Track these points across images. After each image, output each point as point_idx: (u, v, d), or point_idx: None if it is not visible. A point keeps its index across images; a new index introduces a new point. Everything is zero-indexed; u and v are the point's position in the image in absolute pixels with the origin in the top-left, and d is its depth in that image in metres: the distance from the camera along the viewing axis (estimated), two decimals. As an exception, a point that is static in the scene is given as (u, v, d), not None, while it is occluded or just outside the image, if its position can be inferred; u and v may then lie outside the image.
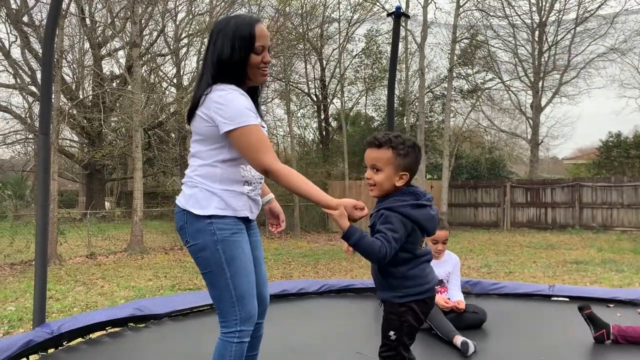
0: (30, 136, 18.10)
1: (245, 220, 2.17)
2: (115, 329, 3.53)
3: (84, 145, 21.07)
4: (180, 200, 2.11)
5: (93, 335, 3.40)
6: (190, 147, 2.16)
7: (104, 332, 3.47)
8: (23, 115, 18.14)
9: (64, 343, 3.20)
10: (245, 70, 2.10)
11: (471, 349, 3.06)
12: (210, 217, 2.04)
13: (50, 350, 3.11)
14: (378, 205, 2.08)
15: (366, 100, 21.42)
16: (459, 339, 3.14)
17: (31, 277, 7.36)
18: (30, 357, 2.99)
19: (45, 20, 3.37)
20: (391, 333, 2.06)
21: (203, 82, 2.10)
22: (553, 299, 4.45)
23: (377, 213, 2.06)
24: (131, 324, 3.60)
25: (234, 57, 2.06)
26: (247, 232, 2.21)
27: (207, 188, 2.06)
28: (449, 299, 3.70)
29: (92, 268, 9.16)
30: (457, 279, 3.86)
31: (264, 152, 1.99)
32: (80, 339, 3.32)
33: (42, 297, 3.28)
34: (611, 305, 4.18)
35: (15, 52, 17.73)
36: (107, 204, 23.56)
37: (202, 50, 17.26)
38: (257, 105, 2.20)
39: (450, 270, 3.83)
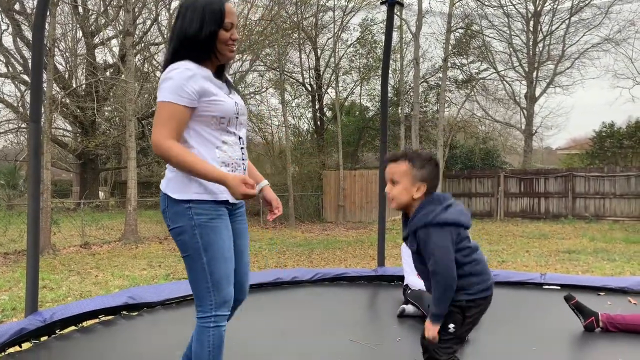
0: (23, 125, 17.99)
1: (228, 205, 2.15)
2: (109, 317, 3.54)
3: (78, 134, 20.96)
4: (162, 184, 2.13)
5: (86, 324, 3.40)
6: None
7: (96, 320, 3.47)
8: (15, 104, 18.01)
9: (56, 331, 3.20)
10: (214, 45, 2.10)
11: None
12: (188, 201, 2.05)
13: (43, 338, 3.11)
14: (410, 225, 2.08)
15: (361, 90, 21.38)
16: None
17: (24, 267, 7.34)
18: (22, 345, 2.99)
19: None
20: (451, 326, 2.04)
21: (164, 61, 2.14)
22: (544, 287, 4.49)
23: (413, 236, 2.07)
24: (124, 312, 3.60)
25: (203, 32, 2.07)
26: (231, 219, 2.20)
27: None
28: None
29: (86, 257, 9.15)
30: None
31: (162, 126, 1.99)
32: (73, 327, 3.32)
33: (35, 285, 3.28)
34: (601, 294, 4.22)
35: (7, 41, 17.62)
36: (101, 194, 23.49)
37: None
38: (224, 80, 2.22)
39: None
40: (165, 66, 2.11)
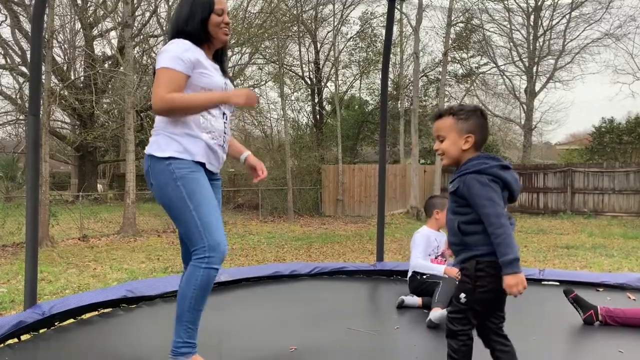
0: (21, 117, 17.93)
1: (204, 169, 2.30)
2: (107, 310, 3.53)
3: (76, 127, 20.90)
4: (147, 148, 2.29)
5: (85, 317, 3.40)
6: None
7: (95, 313, 3.47)
8: (13, 96, 17.94)
9: (55, 324, 3.19)
10: (208, 29, 2.31)
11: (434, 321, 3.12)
12: (169, 158, 2.20)
13: (42, 331, 3.10)
14: (461, 170, 2.04)
15: (360, 83, 21.34)
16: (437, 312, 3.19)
17: (23, 259, 7.33)
18: (21, 337, 2.99)
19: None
20: (462, 295, 1.99)
21: (167, 37, 2.37)
22: (543, 283, 4.49)
23: (461, 178, 2.02)
24: (123, 305, 3.60)
25: (195, 18, 2.29)
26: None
27: (167, 134, 2.25)
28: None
29: (85, 250, 9.15)
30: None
31: (162, 87, 2.15)
32: (72, 320, 3.31)
33: (33, 278, 3.27)
34: (600, 290, 4.22)
35: (5, 32, 17.55)
36: (99, 186, 23.46)
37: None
38: (222, 66, 2.44)
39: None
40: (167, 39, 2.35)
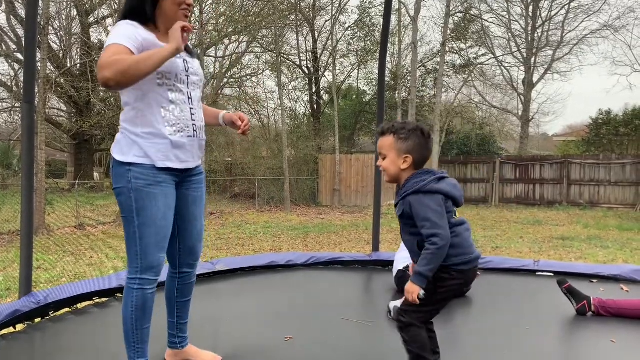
0: (17, 105, 17.81)
1: (175, 172, 2.17)
2: (103, 299, 3.54)
3: (72, 114, 20.79)
4: (112, 145, 2.18)
5: (80, 306, 3.40)
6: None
7: (91, 302, 3.47)
8: (9, 84, 17.82)
9: (50, 313, 3.20)
10: (163, 7, 2.13)
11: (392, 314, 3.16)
12: (129, 164, 2.09)
13: (37, 320, 3.11)
14: (401, 193, 2.13)
15: (358, 73, 21.27)
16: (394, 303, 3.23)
17: (19, 247, 7.32)
18: (16, 326, 2.99)
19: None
20: (421, 292, 2.05)
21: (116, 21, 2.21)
22: (538, 274, 4.51)
23: (403, 201, 2.10)
24: (118, 295, 3.60)
25: None
26: (185, 186, 2.26)
27: (129, 134, 2.10)
28: None
29: (81, 239, 9.14)
30: None
31: (102, 58, 1.94)
32: (67, 309, 3.32)
33: (29, 266, 3.26)
34: (594, 281, 4.25)
35: (1, 18, 17.34)
36: (95, 175, 23.42)
37: (191, 19, 16.92)
38: (188, 50, 2.26)
39: None
40: None
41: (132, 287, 2.14)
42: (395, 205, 2.17)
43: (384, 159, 2.15)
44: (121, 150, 2.11)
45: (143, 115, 2.09)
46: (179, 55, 2.15)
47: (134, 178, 2.07)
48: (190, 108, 2.20)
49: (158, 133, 2.09)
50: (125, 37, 2.01)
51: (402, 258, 3.86)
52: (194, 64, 2.26)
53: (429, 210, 2.02)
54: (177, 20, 2.12)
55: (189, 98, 2.19)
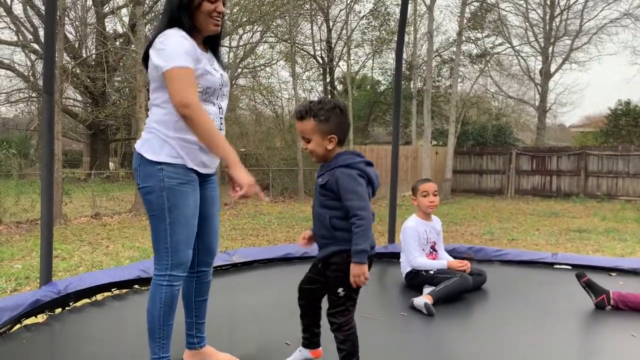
0: (34, 95, 18.01)
1: (198, 174, 2.23)
2: (121, 290, 3.57)
3: (88, 105, 20.96)
4: (138, 144, 2.20)
5: (99, 297, 3.43)
6: (150, 95, 2.22)
7: (109, 293, 3.50)
8: (26, 74, 18.00)
9: (70, 304, 3.24)
10: (197, 16, 2.16)
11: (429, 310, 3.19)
12: (161, 163, 2.12)
13: (57, 311, 3.14)
14: (329, 165, 2.15)
15: (373, 63, 21.14)
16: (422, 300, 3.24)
17: (37, 236, 7.44)
18: (38, 316, 3.03)
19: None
20: (340, 290, 2.12)
21: (156, 28, 2.19)
22: (555, 267, 4.47)
23: (330, 172, 2.13)
24: (136, 286, 3.63)
25: (183, 2, 2.13)
26: (202, 186, 2.29)
27: (161, 135, 2.13)
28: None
29: (97, 228, 9.25)
30: (442, 242, 4.00)
31: (189, 87, 2.04)
32: (86, 300, 3.35)
33: (49, 255, 3.30)
34: (613, 274, 4.19)
35: (17, 9, 17.46)
36: (111, 165, 23.64)
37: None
38: (217, 57, 2.32)
39: (439, 230, 3.94)
40: (155, 35, 2.15)
41: (161, 284, 2.17)
42: (319, 176, 2.19)
43: (308, 142, 2.16)
44: (152, 150, 2.13)
45: (179, 121, 2.11)
46: (215, 70, 2.23)
47: (166, 177, 2.11)
48: (220, 118, 2.28)
49: (189, 139, 2.14)
50: (186, 54, 2.06)
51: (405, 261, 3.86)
52: (224, 73, 2.32)
53: (357, 185, 2.07)
54: (207, 29, 2.19)
55: (219, 109, 2.27)
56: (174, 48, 2.05)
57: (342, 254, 2.10)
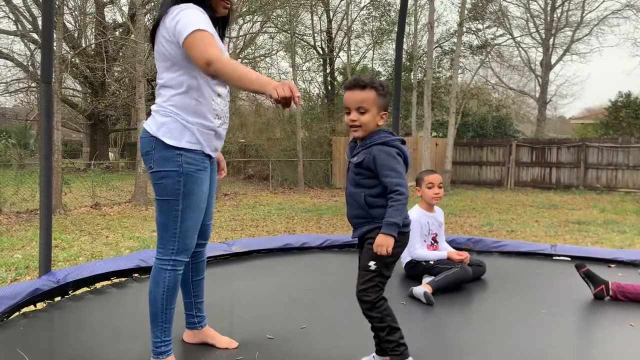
0: (33, 84, 17.95)
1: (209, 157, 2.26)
2: (120, 279, 3.57)
3: (87, 95, 20.91)
4: (151, 127, 2.13)
5: (98, 285, 3.44)
6: (158, 78, 2.17)
7: (108, 282, 3.51)
8: (25, 63, 17.93)
9: (69, 292, 3.24)
10: None
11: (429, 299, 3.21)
12: (181, 149, 2.10)
13: (57, 299, 3.15)
14: (365, 144, 2.13)
15: (373, 54, 21.03)
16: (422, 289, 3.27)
17: (36, 226, 7.44)
18: (37, 304, 3.04)
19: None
20: (371, 263, 2.10)
21: (165, 3, 2.13)
22: (555, 258, 4.47)
23: (366, 151, 2.11)
24: (135, 275, 3.64)
25: None
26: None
27: (181, 120, 2.11)
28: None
29: (97, 218, 9.25)
30: (444, 234, 4.00)
31: (211, 47, 1.99)
32: (85, 289, 3.36)
33: (48, 245, 3.30)
34: (612, 266, 4.20)
35: (16, -2, 17.33)
36: (111, 155, 23.62)
37: None
38: (223, 36, 2.31)
39: (441, 221, 3.94)
40: (166, 9, 2.09)
41: (165, 268, 2.17)
42: (353, 156, 2.17)
43: (362, 113, 2.09)
44: (171, 135, 2.09)
45: (198, 104, 2.11)
46: (225, 51, 2.20)
47: (185, 163, 2.10)
48: (228, 101, 2.29)
49: (208, 125, 2.15)
50: (207, 24, 2.05)
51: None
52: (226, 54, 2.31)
53: (396, 162, 2.07)
54: (218, 10, 2.19)
55: (228, 92, 2.29)
56: (196, 17, 2.03)
57: (378, 230, 2.08)
